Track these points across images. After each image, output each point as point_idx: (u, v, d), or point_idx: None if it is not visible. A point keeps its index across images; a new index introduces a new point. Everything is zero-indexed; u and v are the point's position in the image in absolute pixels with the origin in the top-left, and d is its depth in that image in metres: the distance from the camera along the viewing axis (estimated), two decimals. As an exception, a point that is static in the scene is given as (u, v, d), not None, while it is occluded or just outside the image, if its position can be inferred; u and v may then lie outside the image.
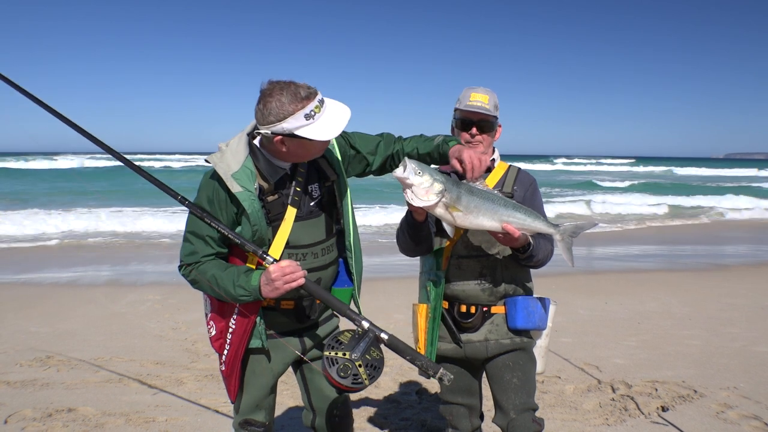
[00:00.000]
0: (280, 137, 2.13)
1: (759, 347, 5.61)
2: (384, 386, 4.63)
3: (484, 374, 2.71)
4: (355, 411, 4.13)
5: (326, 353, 2.13)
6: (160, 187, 2.32)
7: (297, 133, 2.09)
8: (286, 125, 2.08)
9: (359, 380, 2.09)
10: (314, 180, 2.36)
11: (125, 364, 5.12)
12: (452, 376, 2.20)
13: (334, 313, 2.56)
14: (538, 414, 2.56)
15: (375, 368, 2.13)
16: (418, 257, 2.69)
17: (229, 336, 2.33)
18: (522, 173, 2.62)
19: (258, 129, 2.17)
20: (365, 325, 2.16)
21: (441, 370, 2.16)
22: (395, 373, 4.88)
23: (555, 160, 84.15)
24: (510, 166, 2.64)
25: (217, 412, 4.12)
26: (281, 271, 2.11)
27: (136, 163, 2.37)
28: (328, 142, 2.22)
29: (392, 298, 7.12)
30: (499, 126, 2.61)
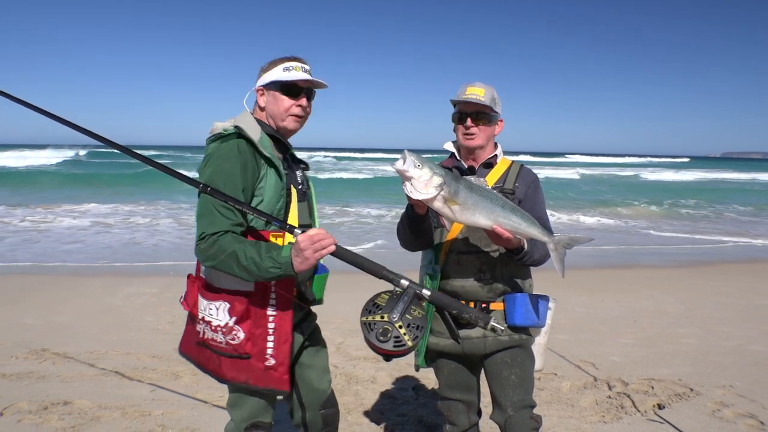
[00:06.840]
0: (261, 89, 2.33)
1: (754, 346, 5.64)
2: (380, 382, 4.63)
3: (482, 371, 2.71)
4: (351, 407, 4.14)
5: (363, 319, 2.01)
6: (175, 176, 2.18)
7: (273, 78, 2.30)
8: (267, 76, 2.31)
9: (401, 342, 1.97)
10: (296, 168, 2.46)
11: (121, 358, 5.10)
12: (504, 327, 2.29)
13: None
14: (535, 411, 2.57)
15: (417, 328, 2.01)
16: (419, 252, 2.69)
17: (270, 326, 2.18)
18: (524, 170, 2.61)
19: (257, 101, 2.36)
20: (404, 283, 2.08)
21: (492, 320, 2.21)
22: (392, 368, 4.88)
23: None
24: (513, 162, 2.63)
25: (214, 405, 4.11)
26: (309, 239, 1.98)
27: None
28: (297, 100, 2.31)
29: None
30: (500, 121, 2.60)
